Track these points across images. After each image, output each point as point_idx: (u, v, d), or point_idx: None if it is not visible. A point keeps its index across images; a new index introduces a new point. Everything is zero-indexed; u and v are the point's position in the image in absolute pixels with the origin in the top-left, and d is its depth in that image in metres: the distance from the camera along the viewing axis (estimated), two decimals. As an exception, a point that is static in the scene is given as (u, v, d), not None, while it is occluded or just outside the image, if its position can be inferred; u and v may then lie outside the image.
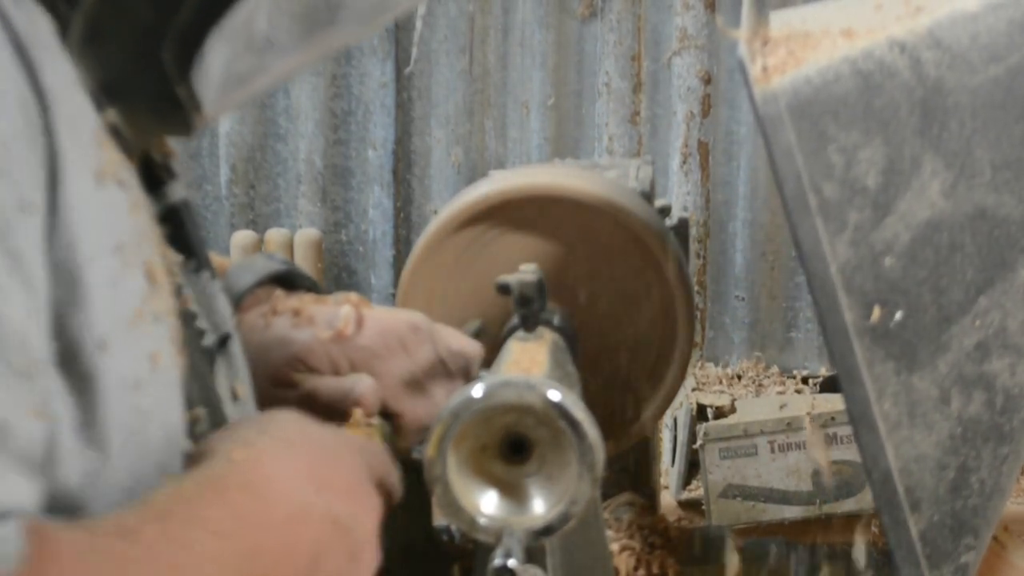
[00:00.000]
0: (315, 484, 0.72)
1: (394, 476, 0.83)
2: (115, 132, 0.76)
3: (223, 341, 0.87)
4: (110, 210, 0.68)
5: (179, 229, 0.84)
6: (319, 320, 1.06)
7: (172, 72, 0.73)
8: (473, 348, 1.15)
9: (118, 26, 0.72)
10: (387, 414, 1.07)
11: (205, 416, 0.80)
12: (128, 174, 0.72)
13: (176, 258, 0.83)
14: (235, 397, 0.87)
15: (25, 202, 0.61)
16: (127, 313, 0.67)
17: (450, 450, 0.88)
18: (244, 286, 1.08)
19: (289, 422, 0.76)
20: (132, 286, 0.68)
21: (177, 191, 0.85)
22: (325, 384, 1.02)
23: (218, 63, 0.75)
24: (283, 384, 1.02)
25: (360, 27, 0.83)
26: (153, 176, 0.83)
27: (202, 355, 0.84)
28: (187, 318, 0.83)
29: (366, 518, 0.77)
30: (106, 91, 0.74)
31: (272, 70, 0.79)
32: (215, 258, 0.94)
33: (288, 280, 1.14)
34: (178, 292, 0.82)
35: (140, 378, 0.68)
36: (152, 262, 0.71)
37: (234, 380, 0.88)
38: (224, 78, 0.76)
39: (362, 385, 1.02)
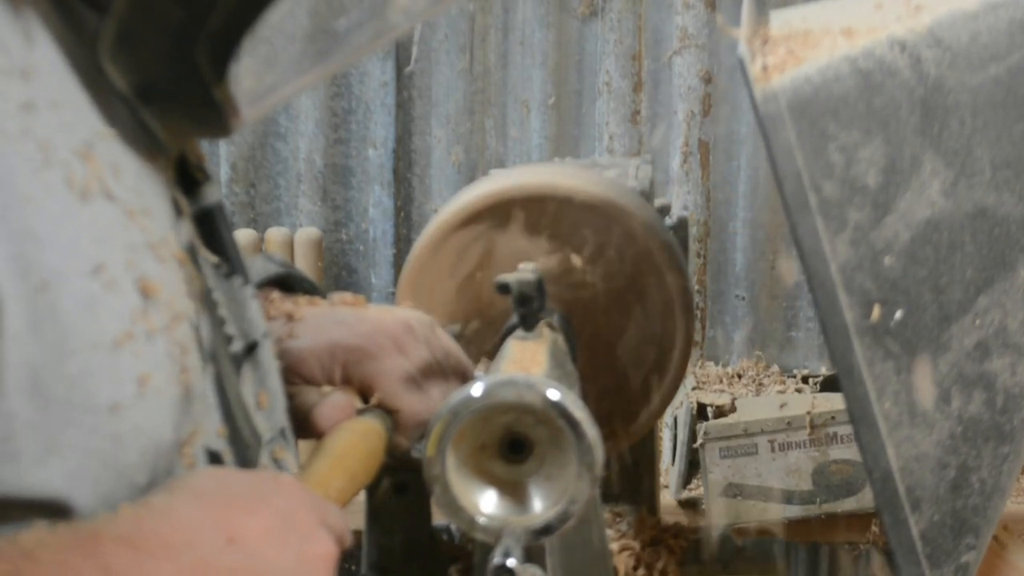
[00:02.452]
0: (222, 537, 0.68)
1: (334, 517, 0.78)
2: (146, 133, 0.76)
3: (250, 348, 0.86)
4: (92, 227, 0.67)
5: (212, 232, 0.84)
6: (311, 325, 1.06)
7: (207, 74, 0.73)
8: (469, 364, 1.15)
9: (150, 29, 0.72)
10: (386, 412, 1.07)
11: (223, 429, 0.79)
12: (124, 184, 0.71)
13: (212, 259, 0.83)
14: (260, 406, 0.86)
15: None
16: (107, 337, 0.66)
17: (449, 449, 0.87)
18: None
19: (205, 477, 0.72)
20: (116, 307, 0.67)
21: (212, 194, 0.85)
22: (300, 401, 1.01)
23: (249, 67, 0.75)
24: None
25: (362, 49, 0.83)
26: (189, 178, 0.83)
27: (229, 361, 0.84)
28: (215, 323, 0.83)
29: (306, 562, 0.72)
30: (141, 94, 0.74)
31: (283, 87, 0.79)
32: None
33: (286, 282, 1.14)
34: (208, 296, 0.82)
35: (120, 402, 0.66)
36: (150, 276, 0.70)
37: (260, 388, 0.87)
38: (254, 83, 0.75)
39: (325, 406, 1.00)
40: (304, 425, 0.99)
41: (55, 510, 0.64)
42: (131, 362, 0.67)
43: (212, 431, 0.78)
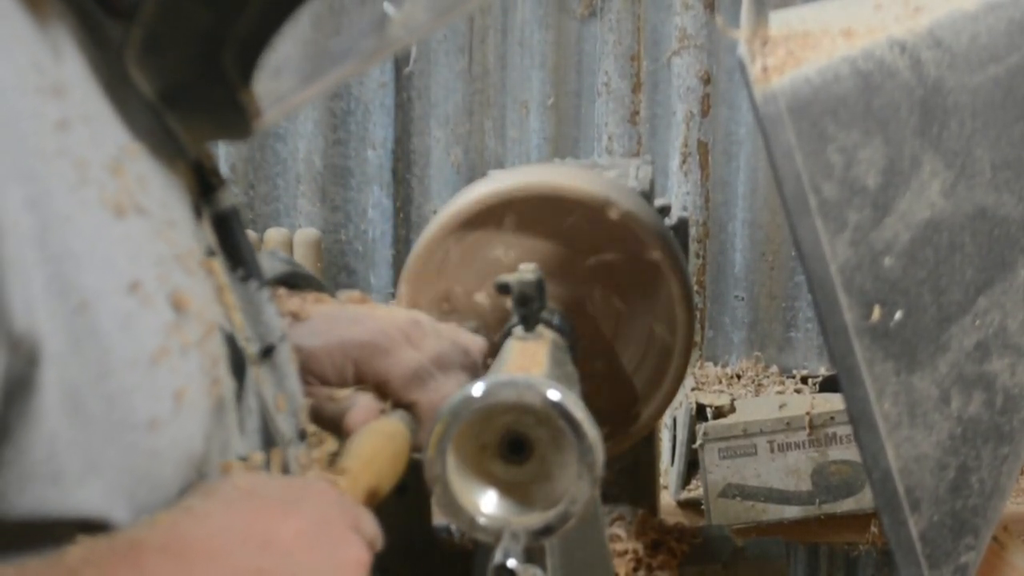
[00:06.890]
0: (258, 541, 0.69)
1: (367, 522, 0.80)
2: (169, 140, 0.76)
3: (267, 351, 0.86)
4: (127, 243, 0.67)
5: (228, 236, 0.84)
6: (321, 323, 1.06)
7: (234, 78, 0.73)
8: (478, 342, 1.16)
9: (178, 33, 0.72)
10: (404, 405, 1.07)
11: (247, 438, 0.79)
12: (151, 196, 0.71)
13: (228, 263, 0.83)
14: (278, 409, 0.86)
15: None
16: (145, 353, 0.66)
17: (450, 449, 0.88)
18: None
19: (238, 481, 0.73)
20: (152, 323, 0.67)
21: (227, 198, 0.85)
22: (324, 405, 1.02)
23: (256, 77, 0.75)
24: None
25: (363, 62, 0.83)
26: (204, 182, 0.83)
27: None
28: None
29: (339, 567, 0.73)
30: (166, 98, 0.74)
31: (287, 97, 0.79)
32: None
33: (292, 280, 1.14)
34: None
35: (158, 418, 0.66)
36: (181, 289, 0.70)
37: (277, 391, 0.87)
38: (260, 93, 0.76)
39: (355, 410, 1.01)
40: (336, 430, 1.00)
41: (94, 528, 0.64)
42: (168, 377, 0.67)
43: (245, 438, 0.78)
